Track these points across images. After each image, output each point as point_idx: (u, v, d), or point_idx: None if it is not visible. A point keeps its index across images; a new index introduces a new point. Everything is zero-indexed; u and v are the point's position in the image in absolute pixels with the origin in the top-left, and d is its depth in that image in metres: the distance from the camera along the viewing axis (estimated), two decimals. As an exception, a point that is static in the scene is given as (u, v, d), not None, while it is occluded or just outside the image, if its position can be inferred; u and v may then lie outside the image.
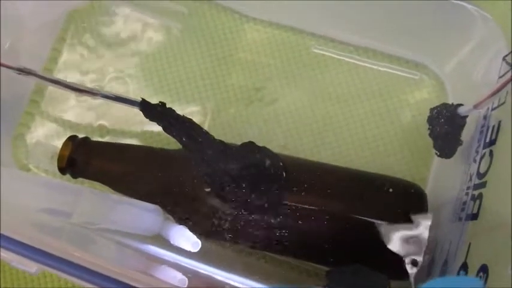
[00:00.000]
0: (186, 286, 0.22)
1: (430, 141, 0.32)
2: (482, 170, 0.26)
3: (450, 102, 0.31)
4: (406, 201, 0.32)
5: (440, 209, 0.32)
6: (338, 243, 0.31)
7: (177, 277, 0.23)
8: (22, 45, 0.37)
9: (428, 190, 0.35)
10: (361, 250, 0.31)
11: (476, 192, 0.26)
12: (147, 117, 0.31)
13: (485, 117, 0.28)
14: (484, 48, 0.31)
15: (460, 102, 0.30)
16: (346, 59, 0.39)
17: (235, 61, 0.40)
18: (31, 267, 0.18)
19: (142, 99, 0.31)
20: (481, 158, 0.27)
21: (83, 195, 0.28)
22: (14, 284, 0.36)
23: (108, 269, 0.19)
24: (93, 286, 0.18)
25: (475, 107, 0.26)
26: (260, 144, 0.32)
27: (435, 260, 0.29)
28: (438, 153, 0.31)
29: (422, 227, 0.29)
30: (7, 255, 0.18)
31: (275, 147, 0.33)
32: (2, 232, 0.18)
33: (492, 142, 0.26)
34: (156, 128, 0.32)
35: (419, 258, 0.29)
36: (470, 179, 0.28)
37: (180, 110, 0.39)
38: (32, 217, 0.25)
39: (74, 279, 0.18)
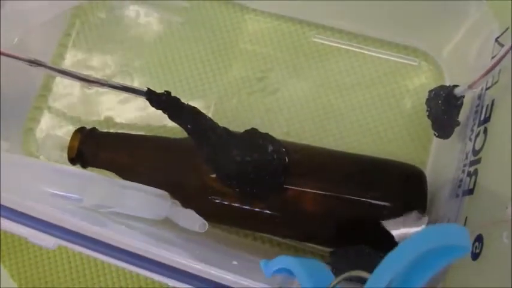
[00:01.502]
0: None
1: (429, 125, 0.33)
2: (477, 147, 0.27)
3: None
4: (407, 183, 0.33)
5: (440, 189, 0.32)
6: (341, 225, 0.32)
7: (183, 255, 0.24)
8: (30, 40, 0.38)
9: (428, 172, 0.35)
10: (364, 231, 0.32)
11: (472, 169, 0.27)
12: (153, 106, 0.32)
13: (479, 97, 0.29)
14: (478, 31, 0.32)
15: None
16: (346, 47, 0.40)
17: (236, 52, 0.41)
18: (49, 241, 0.19)
19: (148, 88, 0.32)
20: (476, 135, 0.28)
21: (93, 180, 0.29)
22: (31, 261, 0.38)
23: (121, 242, 0.20)
24: (107, 258, 0.19)
25: (470, 87, 0.27)
26: (263, 131, 0.33)
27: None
28: (436, 134, 0.32)
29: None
30: (25, 231, 0.20)
31: (278, 135, 0.33)
32: (19, 209, 0.19)
33: (486, 120, 0.27)
34: (161, 118, 0.33)
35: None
36: (466, 157, 0.28)
37: (184, 101, 0.40)
38: (46, 200, 0.26)
39: (89, 252, 0.19)
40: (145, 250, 0.19)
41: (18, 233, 0.20)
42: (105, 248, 0.19)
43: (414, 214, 0.30)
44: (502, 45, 0.27)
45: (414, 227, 0.29)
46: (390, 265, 0.14)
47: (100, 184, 0.29)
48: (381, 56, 0.40)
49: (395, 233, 0.29)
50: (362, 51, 0.40)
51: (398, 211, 0.31)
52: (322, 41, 0.40)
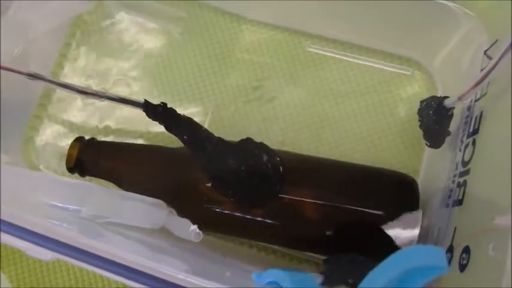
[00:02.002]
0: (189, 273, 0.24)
1: (421, 133, 0.33)
2: (466, 158, 0.28)
3: (440, 96, 0.33)
4: (399, 191, 0.33)
5: (431, 198, 0.33)
6: (335, 233, 0.33)
7: (180, 266, 0.25)
8: (31, 51, 0.39)
9: (420, 181, 0.36)
10: (358, 239, 0.33)
11: (461, 180, 0.28)
12: (149, 117, 0.32)
13: (469, 108, 0.30)
14: (468, 43, 0.32)
15: (449, 95, 0.31)
16: (341, 57, 0.41)
17: (233, 61, 0.41)
18: (46, 255, 0.20)
19: (145, 100, 0.32)
20: (466, 146, 0.28)
21: (91, 191, 0.29)
22: (30, 273, 0.39)
23: (116, 255, 0.20)
24: (102, 271, 0.19)
25: (459, 98, 0.28)
26: (259, 140, 0.34)
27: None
28: (428, 144, 0.33)
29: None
30: (23, 245, 0.20)
31: (273, 144, 0.34)
32: (17, 223, 0.20)
33: (475, 131, 0.27)
34: (158, 127, 0.34)
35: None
36: (456, 168, 0.29)
37: (181, 110, 0.40)
38: (45, 212, 0.26)
39: (85, 265, 0.19)
40: (140, 264, 0.20)
41: (16, 246, 0.20)
42: (100, 262, 0.19)
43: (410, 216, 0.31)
44: (490, 58, 0.28)
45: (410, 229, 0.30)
46: (370, 284, 0.15)
47: (98, 194, 0.29)
48: (374, 65, 0.40)
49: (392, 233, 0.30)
50: (356, 60, 0.40)
51: (391, 219, 0.31)
52: (317, 51, 0.41)
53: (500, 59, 0.24)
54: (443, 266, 0.14)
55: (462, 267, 0.23)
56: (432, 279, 0.15)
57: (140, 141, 0.40)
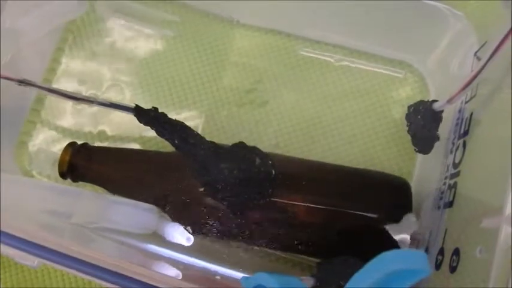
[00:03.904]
0: (180, 278, 0.24)
1: (413, 137, 0.33)
2: (457, 160, 0.28)
3: (432, 98, 0.33)
4: (392, 194, 0.33)
5: (424, 200, 0.33)
6: (327, 236, 0.33)
7: (171, 270, 0.25)
8: (23, 56, 0.39)
9: (413, 183, 0.36)
10: (351, 242, 0.32)
11: (452, 182, 0.28)
12: (141, 122, 0.32)
13: (460, 111, 0.30)
14: (459, 45, 0.32)
15: (441, 97, 0.31)
16: (332, 60, 0.41)
17: (226, 65, 0.42)
18: (32, 261, 0.19)
19: (136, 105, 0.32)
20: (456, 149, 0.28)
21: (82, 196, 0.29)
22: (18, 279, 0.38)
23: (105, 262, 0.20)
24: (88, 277, 0.19)
25: (449, 101, 0.28)
26: (253, 143, 0.33)
27: (418, 248, 0.30)
28: (416, 149, 0.33)
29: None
30: (12, 252, 0.20)
31: (267, 147, 0.34)
32: (4, 230, 0.20)
33: (465, 133, 0.27)
34: (152, 132, 0.34)
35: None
36: (448, 169, 0.29)
37: (175, 114, 0.41)
38: (35, 218, 0.26)
39: (70, 270, 0.19)
40: (127, 269, 0.20)
41: (5, 253, 0.20)
42: (86, 268, 0.19)
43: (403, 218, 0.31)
44: (480, 60, 0.28)
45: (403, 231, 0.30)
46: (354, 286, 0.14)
47: (89, 200, 0.29)
48: (367, 68, 0.40)
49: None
50: (349, 64, 0.41)
51: (383, 222, 0.31)
52: (310, 54, 0.41)
53: (488, 61, 0.24)
54: (424, 269, 0.14)
55: (452, 269, 0.23)
56: (415, 282, 0.15)
57: (134, 146, 0.40)
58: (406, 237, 0.31)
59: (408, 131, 0.32)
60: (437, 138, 0.30)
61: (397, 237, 0.31)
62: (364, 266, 0.15)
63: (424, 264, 0.14)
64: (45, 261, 0.19)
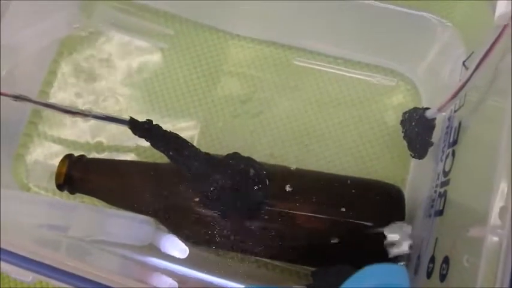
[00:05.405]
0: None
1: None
2: (447, 169, 0.28)
3: (425, 105, 0.33)
4: (385, 202, 0.33)
5: (417, 207, 0.33)
6: (322, 245, 0.33)
7: (167, 282, 0.25)
8: (19, 71, 0.39)
9: (407, 191, 0.36)
10: (345, 250, 0.33)
11: (442, 190, 0.28)
12: (135, 134, 0.33)
13: (449, 119, 0.30)
14: (448, 54, 0.33)
15: (432, 105, 0.32)
16: (326, 69, 0.41)
17: (221, 76, 0.42)
18: (27, 276, 0.20)
19: (131, 117, 0.33)
20: (446, 157, 0.29)
21: (78, 210, 0.30)
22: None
23: (100, 276, 0.21)
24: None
25: (439, 110, 0.28)
26: (248, 153, 0.34)
27: (411, 256, 0.31)
28: (412, 154, 0.33)
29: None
30: (8, 267, 0.20)
31: (262, 156, 0.34)
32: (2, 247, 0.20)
33: (455, 142, 0.28)
34: (148, 143, 0.34)
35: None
36: (438, 178, 0.29)
37: (170, 126, 0.41)
38: (31, 232, 0.27)
39: (65, 286, 0.20)
40: (123, 284, 0.20)
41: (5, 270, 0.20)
42: (81, 283, 0.19)
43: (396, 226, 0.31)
44: (467, 69, 0.28)
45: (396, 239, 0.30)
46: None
47: (85, 213, 0.30)
48: (360, 77, 0.41)
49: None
50: (342, 72, 0.41)
51: (377, 230, 0.31)
52: (303, 64, 0.42)
53: (474, 71, 0.24)
54: (403, 286, 0.14)
55: (442, 278, 0.23)
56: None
57: (131, 156, 0.41)
58: (402, 246, 0.31)
59: (404, 137, 0.33)
60: (431, 143, 0.31)
61: (391, 247, 0.31)
62: (347, 280, 0.15)
63: (403, 280, 0.14)
64: (40, 276, 0.19)
